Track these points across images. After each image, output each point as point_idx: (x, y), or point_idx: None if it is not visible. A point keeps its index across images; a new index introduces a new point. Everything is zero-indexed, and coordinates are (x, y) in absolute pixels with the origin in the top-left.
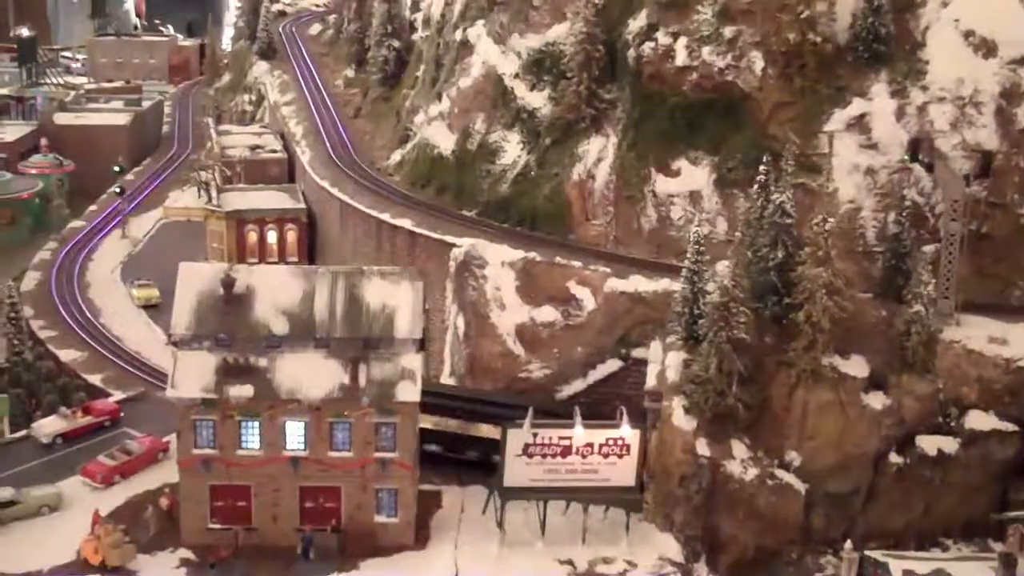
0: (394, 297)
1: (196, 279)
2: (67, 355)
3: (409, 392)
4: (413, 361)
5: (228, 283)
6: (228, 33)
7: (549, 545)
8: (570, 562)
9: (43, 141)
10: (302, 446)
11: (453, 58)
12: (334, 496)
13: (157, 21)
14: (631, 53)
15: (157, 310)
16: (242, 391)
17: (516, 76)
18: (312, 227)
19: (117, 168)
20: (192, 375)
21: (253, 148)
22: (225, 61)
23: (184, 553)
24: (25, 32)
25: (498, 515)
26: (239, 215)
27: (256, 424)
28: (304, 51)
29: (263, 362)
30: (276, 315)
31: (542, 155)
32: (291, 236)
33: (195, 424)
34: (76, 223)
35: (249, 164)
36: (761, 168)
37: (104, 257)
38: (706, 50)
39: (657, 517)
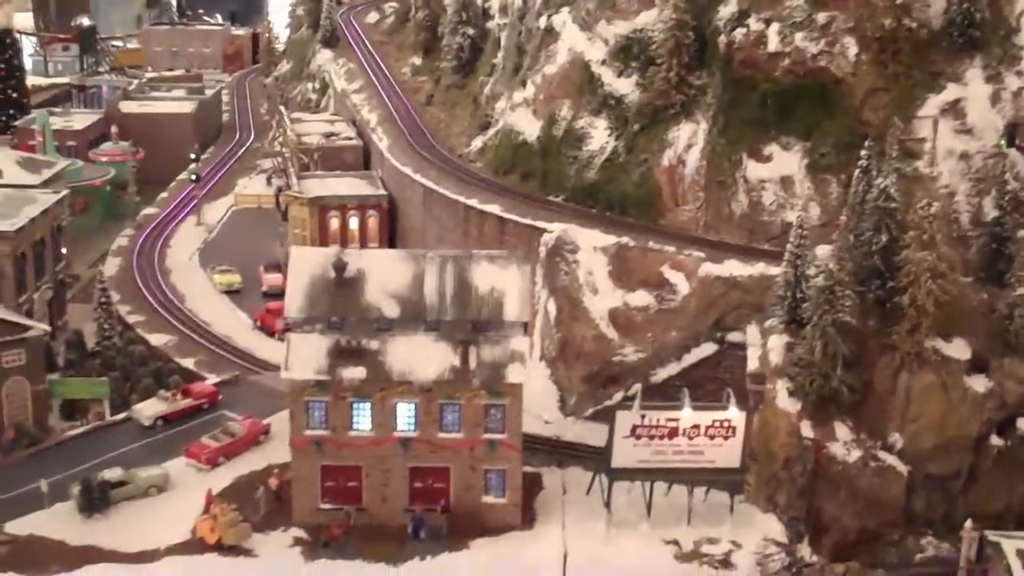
0: (503, 281)
1: (308, 263)
2: (157, 339)
3: (518, 374)
4: (521, 344)
5: (340, 267)
6: (268, 22)
7: (654, 526)
8: (675, 542)
9: (113, 129)
10: (412, 427)
11: (537, 45)
12: (443, 477)
13: (201, 11)
14: (722, 39)
15: (239, 295)
16: (355, 373)
17: (603, 63)
18: (392, 213)
19: (194, 156)
20: (305, 357)
21: (328, 135)
22: (281, 50)
23: (296, 532)
24: (85, 21)
25: (605, 496)
26: (322, 201)
27: (367, 405)
28: (364, 39)
29: (374, 344)
30: (386, 298)
31: (630, 141)
32: (372, 222)
33: (307, 405)
34: (148, 210)
35: (326, 151)
36: (863, 153)
37: (181, 243)
38: (799, 36)
39: (760, 498)
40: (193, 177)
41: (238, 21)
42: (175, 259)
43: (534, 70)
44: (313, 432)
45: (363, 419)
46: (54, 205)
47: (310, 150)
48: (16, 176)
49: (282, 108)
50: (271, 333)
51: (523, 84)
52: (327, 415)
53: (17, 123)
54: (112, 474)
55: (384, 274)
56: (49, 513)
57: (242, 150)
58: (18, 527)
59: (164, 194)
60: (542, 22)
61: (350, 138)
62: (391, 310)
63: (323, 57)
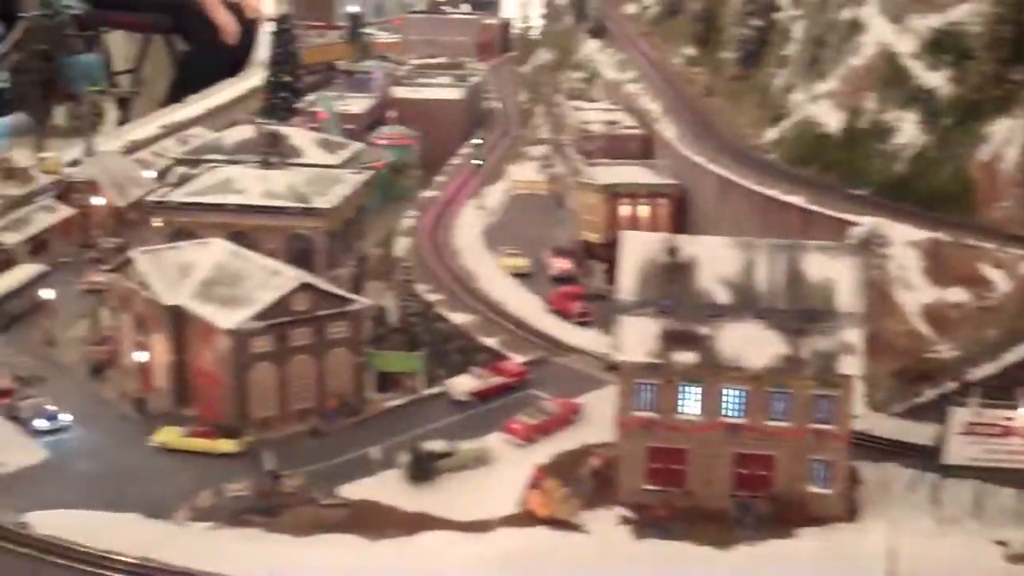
0: (834, 271)
1: (639, 247)
2: (458, 318)
3: (850, 366)
4: (853, 335)
5: (672, 252)
6: (506, 11)
7: (983, 525)
8: (1005, 543)
9: (390, 113)
10: (740, 414)
11: (840, 37)
12: (768, 464)
13: (441, 1)
14: None
15: (527, 279)
16: (685, 357)
17: (914, 56)
18: (681, 203)
19: (478, 141)
20: (636, 340)
21: (610, 124)
22: (536, 39)
23: (622, 511)
24: (356, 8)
25: (932, 492)
26: (613, 189)
27: (696, 390)
28: (628, 29)
29: (705, 330)
30: (718, 285)
31: (942, 136)
32: (662, 211)
33: (637, 387)
34: (427, 193)
35: (610, 139)
36: None
37: (465, 226)
38: None
39: None
40: (479, 162)
41: (483, 9)
42: (461, 241)
43: (836, 62)
44: (641, 414)
45: (691, 403)
46: (360, 185)
47: (593, 138)
48: (316, 157)
49: (560, 96)
50: (565, 316)
51: (822, 76)
52: (655, 398)
53: (298, 105)
54: (436, 446)
55: (715, 260)
56: (377, 480)
57: (510, 138)
58: (349, 492)
59: (441, 177)
60: (846, 14)
61: (632, 127)
62: (722, 296)
63: (590, 47)
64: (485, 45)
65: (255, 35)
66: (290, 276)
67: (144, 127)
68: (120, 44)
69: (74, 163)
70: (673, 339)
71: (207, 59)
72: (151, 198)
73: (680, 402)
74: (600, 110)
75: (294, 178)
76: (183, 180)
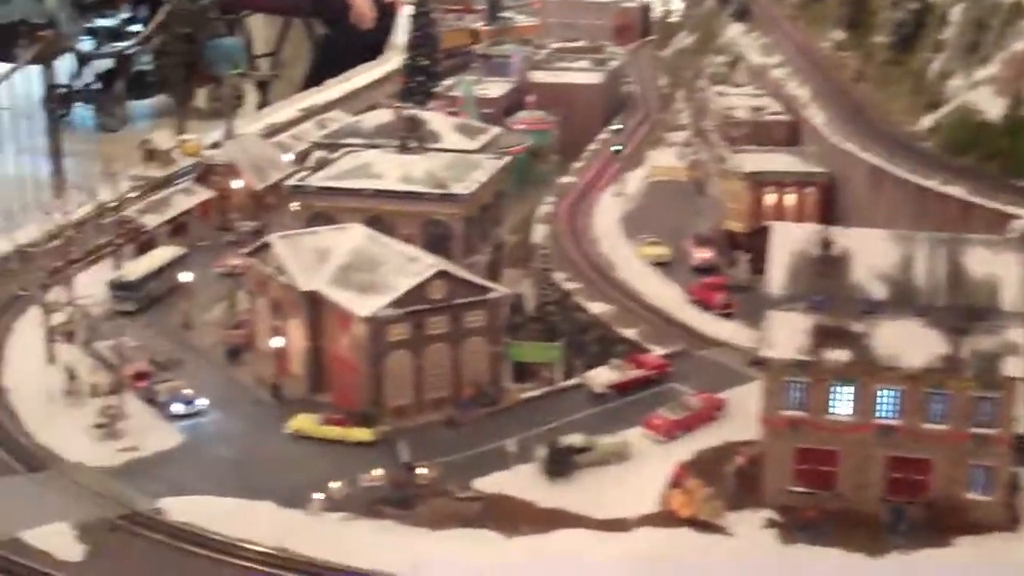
0: (998, 266)
1: (790, 239)
2: (596, 308)
3: (1015, 367)
4: (1018, 335)
5: (826, 244)
6: None
7: None
8: None
9: (529, 98)
10: (894, 415)
11: (1003, 20)
12: (924, 468)
13: None
14: None
15: (667, 268)
16: (838, 355)
17: None
18: (828, 192)
19: (617, 126)
20: (786, 336)
21: (755, 110)
22: (677, 23)
23: (767, 513)
24: None
25: None
26: (758, 177)
27: (849, 390)
28: (772, 13)
29: (860, 327)
30: (873, 279)
31: None
32: (809, 200)
33: (785, 385)
34: (565, 179)
35: (755, 126)
36: None
37: (603, 213)
38: None
39: None
40: (617, 148)
41: None
42: (599, 228)
43: (998, 46)
44: (789, 413)
45: (842, 403)
46: (499, 171)
47: (738, 124)
48: (455, 142)
49: (703, 81)
50: (707, 308)
51: (983, 61)
52: (805, 396)
53: (436, 89)
54: (574, 440)
55: (870, 254)
56: (513, 473)
57: (647, 123)
58: (484, 485)
59: (578, 163)
60: None
61: (778, 113)
62: (878, 292)
63: (734, 31)
64: (623, 29)
65: (394, 18)
66: (427, 263)
67: (283, 110)
68: (261, 28)
69: (214, 145)
70: (825, 335)
71: (345, 42)
72: (290, 182)
73: (831, 401)
74: (745, 95)
75: (432, 163)
76: (322, 164)
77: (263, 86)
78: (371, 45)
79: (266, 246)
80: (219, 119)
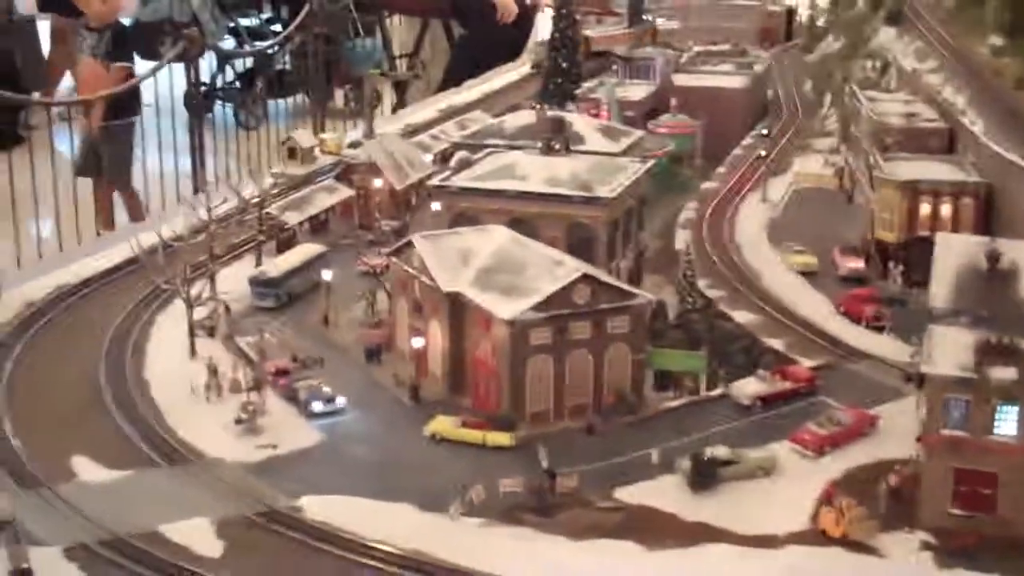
0: None
1: (954, 251)
2: (740, 316)
3: None
4: None
5: (994, 257)
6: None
7: None
8: None
9: (673, 101)
10: None
11: None
12: None
13: None
14: None
15: (813, 277)
16: (1004, 373)
17: None
18: (987, 202)
19: (763, 131)
20: (949, 351)
21: (909, 116)
22: (823, 27)
23: (922, 535)
24: None
25: None
26: (914, 185)
27: (1013, 409)
28: (925, 17)
29: None
30: None
31: None
32: (966, 211)
33: (946, 403)
34: (707, 184)
35: (908, 133)
36: None
37: (747, 220)
38: None
39: None
40: (762, 153)
41: None
42: (743, 235)
43: None
44: (949, 432)
45: (1007, 424)
46: (643, 174)
47: (892, 131)
48: (598, 144)
49: (854, 88)
50: (857, 320)
51: None
52: (966, 415)
53: (576, 92)
54: (720, 452)
55: None
56: (655, 484)
57: (790, 128)
58: (626, 495)
59: (722, 169)
60: None
61: (932, 120)
62: None
63: (886, 35)
64: (767, 32)
65: (532, 20)
66: (571, 267)
67: (422, 110)
68: (399, 28)
69: (354, 145)
70: (990, 352)
71: (483, 44)
72: (433, 182)
73: (995, 422)
74: (898, 101)
75: (577, 165)
76: (464, 164)
77: (401, 86)
78: (509, 46)
79: (409, 246)
80: (357, 119)
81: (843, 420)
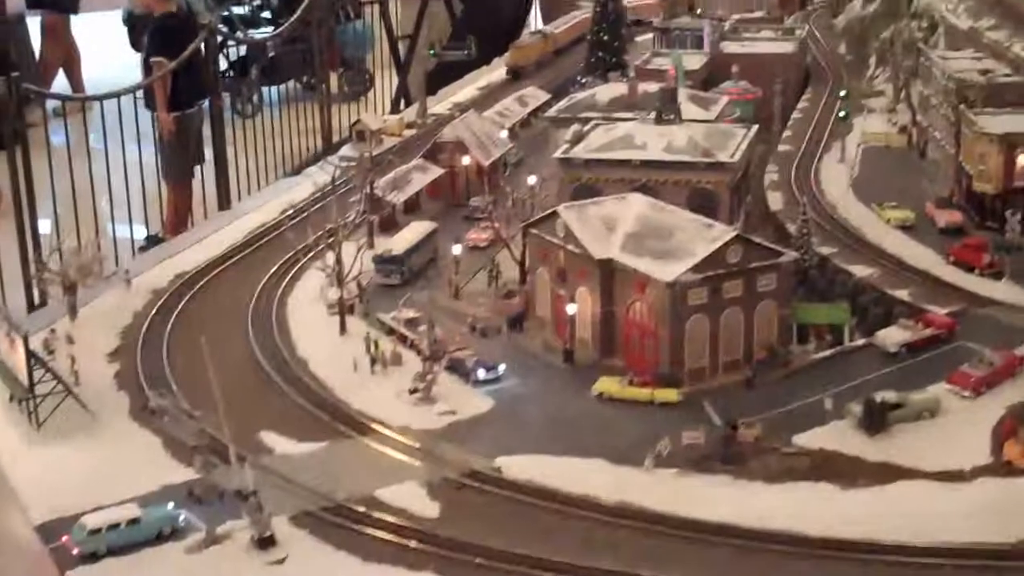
0: None
1: None
2: (857, 271)
3: None
4: None
5: None
6: None
7: None
8: None
9: (734, 68)
10: None
11: None
12: None
13: None
14: None
15: (911, 231)
16: None
17: None
18: None
19: (844, 94)
20: None
21: (985, 72)
22: None
23: None
24: None
25: None
26: (1010, 138)
27: None
28: None
29: None
30: None
31: None
32: None
33: None
34: (781, 147)
35: (989, 89)
36: None
37: (829, 180)
38: None
39: None
40: (842, 114)
41: None
42: (831, 194)
43: None
44: None
45: None
46: (752, 139)
47: (972, 87)
48: (693, 112)
49: (920, 47)
50: (970, 268)
51: None
52: None
53: (637, 63)
54: (888, 396)
55: None
56: (829, 430)
57: (827, 92)
58: (804, 441)
59: (788, 132)
60: None
61: (1008, 75)
62: None
63: None
64: None
65: None
66: (724, 228)
67: (461, 89)
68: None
69: (411, 125)
70: None
71: (483, 21)
72: (556, 154)
73: None
74: (968, 58)
75: (692, 133)
76: (577, 138)
77: (405, 68)
78: (508, 23)
79: (551, 216)
80: (351, 103)
81: (995, 361)
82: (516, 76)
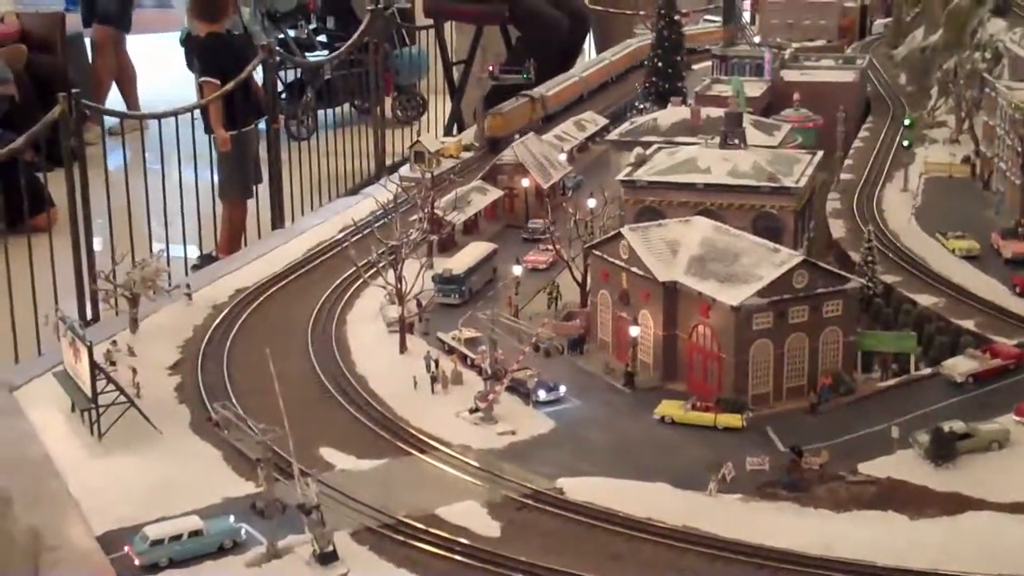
0: None
1: None
2: (923, 300)
3: None
4: None
5: None
6: None
7: None
8: None
9: (796, 96)
10: None
11: None
12: None
13: None
14: None
15: (976, 261)
16: None
17: None
18: None
19: (908, 122)
20: None
21: None
22: (908, 20)
23: None
24: None
25: None
26: None
27: None
28: None
29: None
30: None
31: None
32: None
33: None
34: (844, 176)
35: None
36: None
37: (892, 209)
38: None
39: None
40: (906, 143)
41: None
42: (893, 223)
43: None
44: None
45: None
46: (816, 166)
47: None
48: (756, 138)
49: (985, 77)
50: None
51: None
52: None
53: (697, 89)
54: (956, 425)
55: None
56: (895, 459)
57: (889, 121)
58: (870, 469)
59: (850, 160)
60: None
61: None
62: None
63: (995, 26)
64: (845, 28)
65: (588, 24)
66: (790, 252)
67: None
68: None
69: (468, 148)
70: None
71: (538, 49)
72: (619, 177)
73: None
74: None
75: (757, 157)
76: (640, 161)
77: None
78: (564, 53)
79: (615, 238)
80: (404, 127)
81: None
82: (493, 147)
